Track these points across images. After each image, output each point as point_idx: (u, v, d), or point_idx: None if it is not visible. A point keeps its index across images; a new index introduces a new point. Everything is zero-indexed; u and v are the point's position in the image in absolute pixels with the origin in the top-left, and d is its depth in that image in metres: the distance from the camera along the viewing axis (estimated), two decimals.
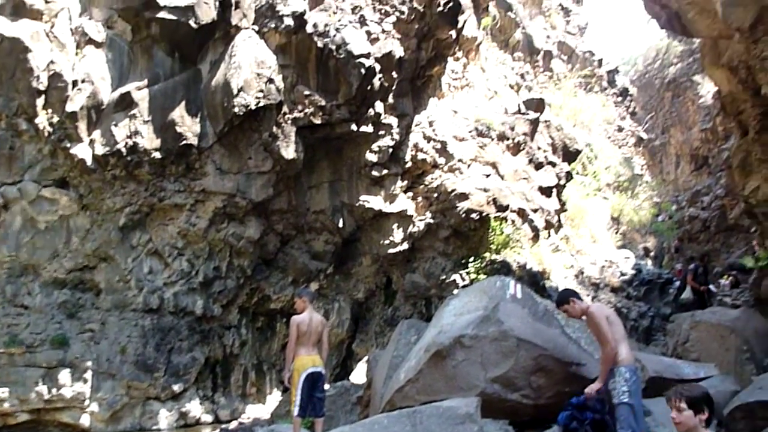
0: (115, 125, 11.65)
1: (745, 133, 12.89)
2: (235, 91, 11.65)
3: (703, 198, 27.31)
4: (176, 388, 12.06)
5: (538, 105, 18.25)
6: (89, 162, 11.52)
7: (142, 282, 12.18)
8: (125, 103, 11.74)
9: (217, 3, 11.80)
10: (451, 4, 13.83)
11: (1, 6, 11.17)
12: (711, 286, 16.08)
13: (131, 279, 12.16)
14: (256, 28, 12.36)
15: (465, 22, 15.20)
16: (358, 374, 11.54)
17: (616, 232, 24.25)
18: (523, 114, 17.24)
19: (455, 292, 11.77)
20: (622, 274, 18.72)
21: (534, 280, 14.28)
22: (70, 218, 11.89)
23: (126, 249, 12.22)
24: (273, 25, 12.24)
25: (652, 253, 26.00)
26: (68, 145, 11.47)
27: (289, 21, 12.19)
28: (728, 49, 11.98)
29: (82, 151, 11.51)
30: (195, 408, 12.29)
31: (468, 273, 14.10)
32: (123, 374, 11.75)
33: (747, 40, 10.10)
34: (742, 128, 13.04)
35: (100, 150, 11.55)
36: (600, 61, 30.07)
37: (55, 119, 11.39)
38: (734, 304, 16.09)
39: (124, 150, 11.53)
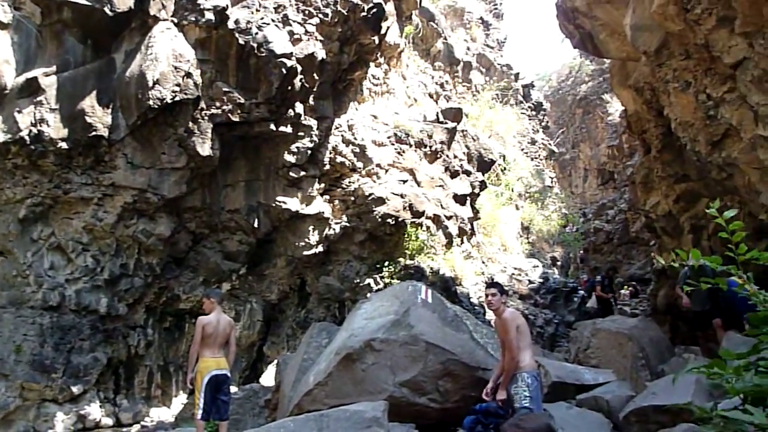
0: (19, 112, 11.02)
1: (648, 151, 13.65)
2: (150, 84, 11.27)
3: (608, 211, 28.70)
4: (75, 389, 11.50)
5: (456, 115, 18.65)
6: None
7: (42, 278, 11.57)
8: (31, 89, 11.12)
9: None
10: (375, 10, 13.94)
11: None
12: (613, 296, 17.01)
13: (30, 274, 11.52)
14: (176, 20, 11.99)
15: (388, 29, 15.35)
16: (268, 377, 11.42)
17: (526, 241, 25.06)
18: (441, 123, 17.58)
19: (369, 296, 11.85)
20: (530, 282, 19.39)
21: (446, 286, 14.57)
22: None
23: (26, 243, 11.57)
24: (193, 19, 11.93)
25: (559, 263, 27.06)
26: None
27: (210, 15, 11.92)
28: (635, 71, 12.66)
29: None
30: (95, 411, 11.77)
31: (382, 277, 14.23)
32: (17, 375, 11.10)
33: (652, 63, 10.72)
34: (646, 146, 13.81)
35: (0, 137, 10.89)
36: (517, 75, 31.06)
37: None
38: (633, 313, 17.03)
39: (27, 138, 10.92)
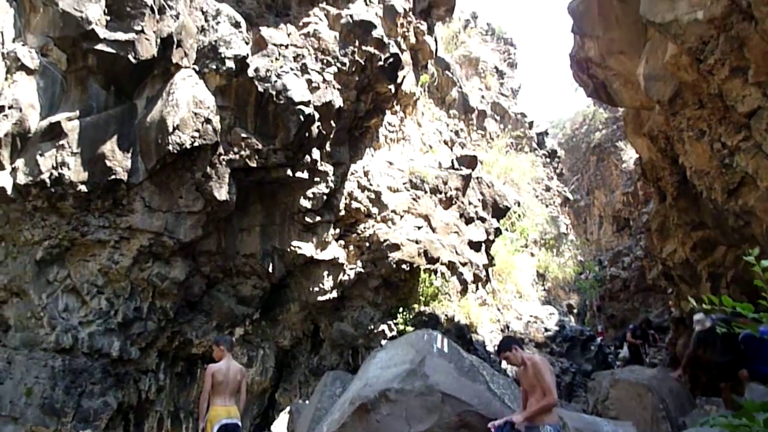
0: (41, 155, 11.22)
1: (663, 199, 13.60)
2: (170, 129, 11.47)
3: (624, 258, 28.43)
4: None
5: (471, 161, 18.76)
6: (9, 191, 11.01)
7: (55, 320, 11.59)
8: (54, 133, 11.35)
9: (159, 40, 11.68)
10: (391, 59, 14.19)
11: None
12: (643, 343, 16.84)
13: (44, 316, 11.55)
14: (197, 68, 12.28)
15: (404, 77, 15.59)
16: (280, 425, 11.26)
17: (542, 289, 24.84)
18: (456, 169, 17.67)
19: (383, 342, 11.73)
20: (546, 330, 19.13)
21: (461, 334, 14.41)
22: None
23: (41, 284, 11.64)
24: (214, 67, 12.20)
25: (575, 310, 26.75)
26: None
27: (230, 64, 12.19)
28: (649, 120, 12.71)
29: (2, 179, 11.00)
30: None
31: (396, 324, 14.11)
32: (27, 418, 11.02)
33: (666, 112, 10.76)
34: (661, 194, 13.76)
35: (22, 179, 11.07)
36: (531, 123, 31.28)
37: None
38: (651, 363, 16.74)
39: (48, 181, 11.09)
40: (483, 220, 17.95)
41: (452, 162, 18.32)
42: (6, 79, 11.36)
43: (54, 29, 11.66)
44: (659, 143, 12.26)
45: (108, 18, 11.55)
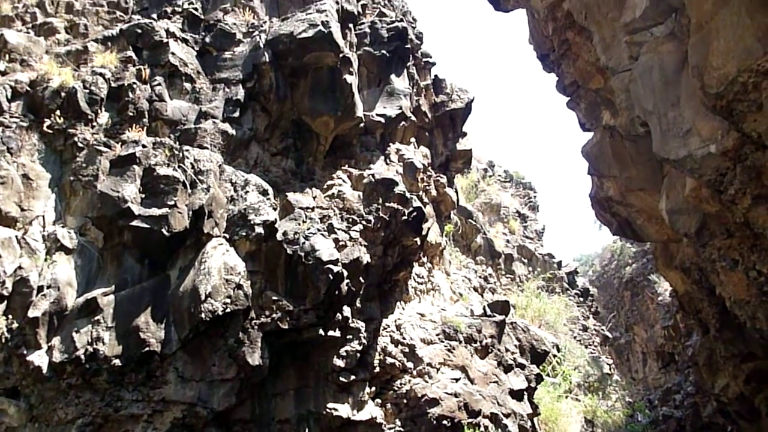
0: (77, 331, 11.40)
1: (706, 331, 13.16)
2: (203, 297, 11.65)
3: (674, 396, 26.99)
4: None
5: (503, 307, 18.56)
6: (45, 370, 11.07)
7: None
8: (89, 309, 11.60)
9: (191, 212, 12.21)
10: (415, 213, 14.58)
11: None
12: None
13: None
14: (227, 235, 12.70)
15: (429, 229, 15.92)
16: None
17: None
18: (489, 316, 17.46)
19: None
20: None
21: None
22: (16, 430, 11.13)
23: None
24: (244, 233, 12.61)
25: None
26: (25, 352, 11.07)
27: (259, 229, 12.60)
28: (679, 252, 12.63)
29: (38, 358, 11.10)
30: None
31: None
32: None
33: (695, 245, 10.67)
34: (703, 326, 13.34)
35: (58, 357, 11.16)
36: (559, 263, 31.23)
37: (15, 325, 11.12)
38: None
39: (83, 357, 11.15)
40: (522, 367, 17.41)
41: (484, 309, 18.15)
42: (46, 260, 11.84)
43: (92, 210, 12.31)
44: (693, 275, 12.09)
45: (143, 195, 12.19)
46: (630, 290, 39.07)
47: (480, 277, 22.39)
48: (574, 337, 29.05)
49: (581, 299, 32.22)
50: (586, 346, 29.82)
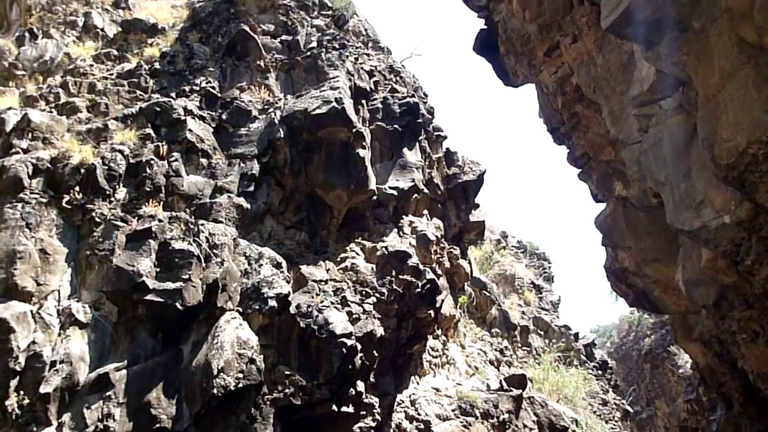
0: (88, 407, 11.24)
1: (730, 406, 12.73)
2: (215, 372, 11.52)
3: None
4: None
5: (520, 381, 18.17)
6: None
7: None
8: (101, 384, 11.46)
9: (205, 286, 12.24)
10: (428, 286, 14.52)
11: None
12: None
13: None
14: (241, 309, 12.67)
15: (443, 301, 15.81)
16: None
17: None
18: (506, 391, 17.07)
19: None
20: None
21: None
22: None
23: None
24: (257, 307, 12.57)
25: None
26: (35, 429, 10.89)
27: (273, 303, 12.56)
28: (698, 324, 12.36)
29: None
30: None
31: None
32: None
33: (714, 316, 10.47)
34: (727, 401, 12.92)
35: None
36: (576, 335, 30.67)
37: (26, 401, 10.99)
38: None
39: None
40: None
41: (501, 383, 17.76)
42: (59, 334, 11.81)
43: (107, 284, 12.35)
44: (713, 348, 11.81)
45: (158, 269, 12.26)
46: (650, 362, 38.20)
47: (496, 349, 22.00)
48: (594, 412, 28.19)
49: (600, 372, 31.45)
50: (606, 422, 28.89)
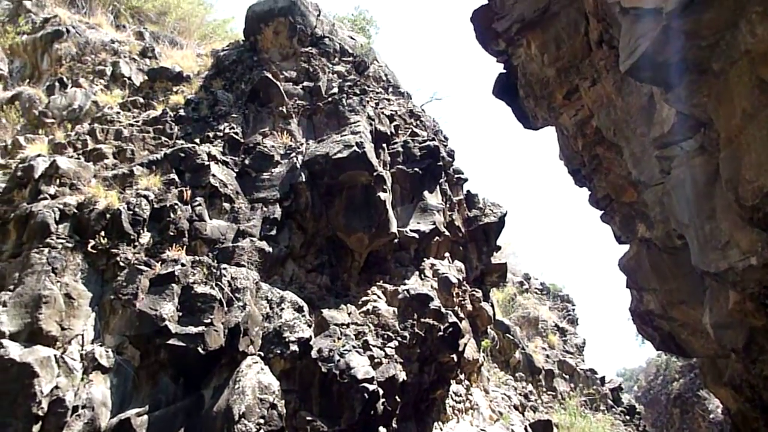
0: None
1: None
2: (236, 418, 11.43)
3: None
4: None
5: (545, 427, 17.84)
6: None
7: None
8: (122, 431, 11.43)
9: (226, 330, 12.24)
10: (451, 329, 14.40)
11: (17, 333, 11.55)
12: None
13: None
14: (262, 353, 12.63)
15: (465, 345, 15.63)
16: None
17: None
18: None
19: None
20: None
21: None
22: None
23: None
24: (279, 351, 12.53)
25: None
26: None
27: (294, 347, 12.52)
28: (728, 368, 12.05)
29: None
30: None
31: None
32: None
33: (744, 360, 10.22)
34: None
35: None
36: (602, 379, 30.06)
37: None
38: None
39: None
40: None
41: (526, 429, 17.42)
42: (82, 379, 11.84)
43: (130, 328, 12.41)
44: (744, 393, 11.48)
45: (180, 314, 12.31)
46: (679, 407, 37.20)
47: (520, 394, 21.62)
48: None
49: (628, 417, 30.67)
50: None
